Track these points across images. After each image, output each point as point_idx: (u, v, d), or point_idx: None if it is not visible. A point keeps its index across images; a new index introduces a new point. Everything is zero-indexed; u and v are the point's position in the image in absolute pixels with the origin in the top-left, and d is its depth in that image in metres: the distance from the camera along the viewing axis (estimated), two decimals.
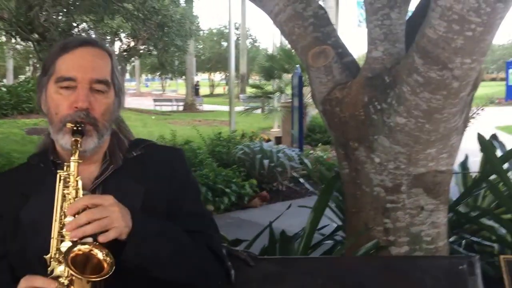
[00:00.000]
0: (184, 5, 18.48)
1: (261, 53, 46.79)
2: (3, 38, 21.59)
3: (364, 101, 2.75)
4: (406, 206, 2.84)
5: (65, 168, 1.33)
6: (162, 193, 1.48)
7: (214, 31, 53.26)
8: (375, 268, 1.95)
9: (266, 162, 8.22)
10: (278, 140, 13.60)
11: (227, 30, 26.28)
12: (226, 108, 22.24)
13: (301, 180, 5.77)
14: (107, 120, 1.45)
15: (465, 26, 2.21)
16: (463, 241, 3.69)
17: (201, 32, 37.51)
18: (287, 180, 8.68)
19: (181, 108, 32.48)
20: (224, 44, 48.17)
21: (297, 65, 11.77)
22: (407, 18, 2.85)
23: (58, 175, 1.32)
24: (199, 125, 20.51)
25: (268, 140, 12.10)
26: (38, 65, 29.21)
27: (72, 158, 1.32)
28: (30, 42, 14.03)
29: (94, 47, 1.47)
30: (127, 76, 63.03)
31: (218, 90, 56.30)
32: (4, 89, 21.03)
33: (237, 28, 42.28)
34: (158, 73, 51.64)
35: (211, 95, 52.87)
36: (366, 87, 2.76)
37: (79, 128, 1.36)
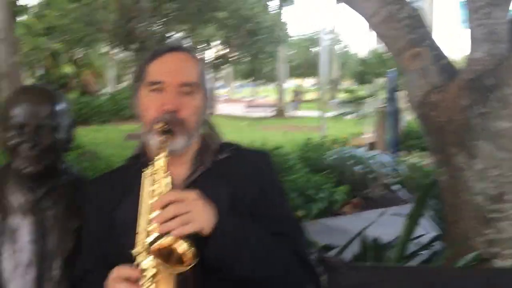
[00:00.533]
0: (277, 10, 18.69)
1: (352, 58, 46.25)
2: (105, 49, 22.86)
3: (463, 104, 2.63)
4: (511, 216, 2.67)
5: (152, 165, 1.37)
6: (248, 195, 1.48)
7: (305, 37, 53.26)
8: (477, 282, 1.83)
9: (358, 168, 8.04)
10: (371, 146, 13.29)
11: (317, 36, 26.19)
12: (317, 114, 22.13)
13: (395, 187, 5.58)
14: (195, 121, 1.48)
15: None
16: None
17: (291, 38, 37.70)
18: (380, 187, 8.45)
19: (272, 114, 32.66)
20: (315, 49, 48.03)
21: (391, 69, 11.48)
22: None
23: (144, 172, 1.38)
24: (290, 131, 20.52)
25: (361, 146, 11.88)
26: (134, 76, 30.39)
27: (161, 154, 1.36)
28: (130, 52, 14.78)
29: (182, 52, 1.52)
30: (219, 82, 64.46)
31: (309, 96, 56.13)
32: (106, 97, 22.18)
33: (328, 33, 42.08)
34: (249, 80, 52.46)
35: (301, 101, 52.83)
36: (466, 90, 2.63)
37: (167, 128, 1.40)
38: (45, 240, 1.71)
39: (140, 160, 1.54)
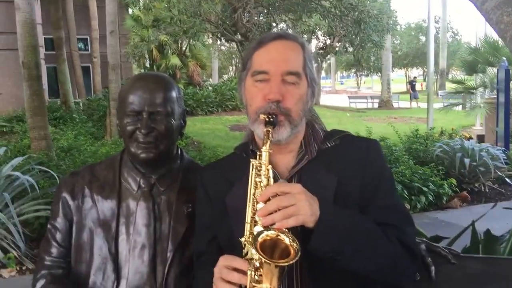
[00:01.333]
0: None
1: (462, 46, 44.18)
2: (210, 40, 23.45)
3: None
4: None
5: (257, 157, 1.41)
6: (355, 183, 1.48)
7: (412, 25, 51.55)
8: None
9: (467, 161, 7.75)
10: (481, 139, 12.70)
11: (426, 24, 25.28)
12: (423, 105, 21.46)
13: (509, 180, 5.34)
14: (300, 110, 1.50)
15: None
16: None
17: (399, 27, 36.59)
18: (491, 181, 8.09)
19: (376, 105, 32.05)
20: (423, 38, 46.36)
21: (503, 58, 10.87)
22: None
23: (251, 164, 1.41)
24: (395, 122, 20.05)
25: (470, 138, 11.38)
26: (240, 65, 30.97)
27: (264, 148, 1.39)
28: (233, 43, 15.07)
29: (286, 40, 1.53)
30: (323, 74, 64.15)
31: (416, 87, 54.33)
32: (210, 88, 22.76)
33: (436, 22, 40.46)
34: (353, 70, 51.76)
35: (407, 92, 51.30)
36: None
37: (271, 119, 1.42)
38: (158, 224, 1.78)
39: (249, 148, 1.60)
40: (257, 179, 1.38)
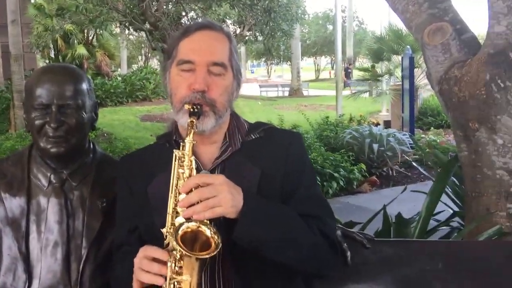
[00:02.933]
0: None
1: (368, 35, 45.70)
2: (118, 30, 22.77)
3: (486, 79, 2.61)
4: None
5: (181, 147, 1.38)
6: (278, 175, 1.49)
7: (320, 14, 52.71)
8: (501, 254, 1.84)
9: (375, 146, 8.04)
10: (387, 124, 13.23)
11: (333, 13, 25.90)
12: (332, 92, 22.03)
13: (415, 164, 5.57)
14: (225, 101, 1.49)
15: None
16: None
17: (307, 16, 37.30)
18: (398, 165, 8.45)
19: (286, 93, 32.56)
20: (330, 27, 47.55)
21: (407, 46, 11.35)
22: None
23: (174, 154, 1.38)
24: (305, 110, 20.46)
25: (377, 124, 11.82)
26: (149, 54, 30.59)
27: (187, 138, 1.37)
28: (142, 32, 14.73)
29: (213, 30, 1.52)
30: None
31: (324, 75, 55.80)
32: (119, 78, 22.20)
33: (343, 11, 41.57)
34: (263, 59, 52.21)
35: (316, 79, 52.54)
36: (488, 64, 2.61)
37: (196, 109, 1.41)
38: (71, 220, 1.73)
39: (172, 138, 1.57)
40: (180, 170, 1.35)
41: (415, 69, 11.07)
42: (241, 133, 1.56)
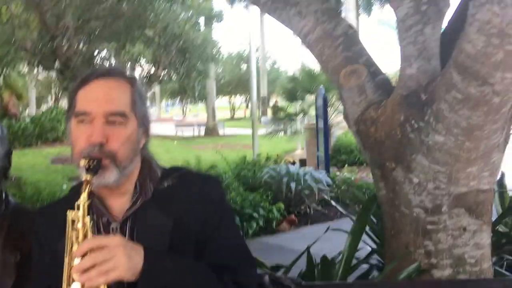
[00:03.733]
0: (204, 29, 18.58)
1: (281, 75, 46.87)
2: (26, 69, 22.04)
3: (400, 120, 2.69)
4: (447, 227, 2.75)
5: (75, 207, 1.28)
6: (193, 224, 1.43)
7: (234, 54, 53.55)
8: None
9: (293, 185, 8.11)
10: (303, 163, 13.43)
11: (246, 53, 26.38)
12: (247, 131, 22.22)
13: (333, 202, 5.66)
14: (128, 151, 1.41)
15: (505, 40, 2.14)
16: (505, 262, 3.56)
17: (221, 56, 37.82)
18: (315, 203, 8.56)
19: (202, 133, 32.55)
20: (244, 66, 48.39)
21: (321, 86, 11.70)
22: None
23: (67, 215, 1.29)
24: (222, 149, 20.46)
25: (293, 163, 11.99)
26: (60, 94, 29.75)
27: (81, 198, 1.28)
28: (52, 72, 14.31)
29: (111, 78, 1.45)
30: (147, 102, 63.50)
31: (239, 114, 56.41)
32: (28, 119, 21.37)
33: (256, 50, 42.49)
34: (178, 98, 52.08)
35: (232, 118, 53.03)
36: (402, 106, 2.69)
37: (91, 166, 1.32)
38: None
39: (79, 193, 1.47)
40: (73, 233, 1.27)
41: (328, 108, 11.39)
42: (153, 181, 1.48)
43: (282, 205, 7.98)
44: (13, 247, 1.64)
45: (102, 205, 1.44)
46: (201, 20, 19.89)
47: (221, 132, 32.62)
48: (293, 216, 8.13)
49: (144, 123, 1.46)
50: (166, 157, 16.61)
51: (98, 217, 1.44)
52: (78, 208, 1.27)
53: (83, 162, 1.32)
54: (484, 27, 2.17)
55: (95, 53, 13.18)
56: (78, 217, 1.27)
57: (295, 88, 13.48)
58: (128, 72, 1.52)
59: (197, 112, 56.36)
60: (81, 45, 12.33)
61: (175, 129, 32.98)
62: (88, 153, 1.34)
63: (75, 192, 1.46)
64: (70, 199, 1.48)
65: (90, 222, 1.28)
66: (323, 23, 3.06)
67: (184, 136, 30.52)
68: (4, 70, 19.24)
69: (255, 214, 7.42)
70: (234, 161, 10.19)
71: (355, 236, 2.88)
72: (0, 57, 12.33)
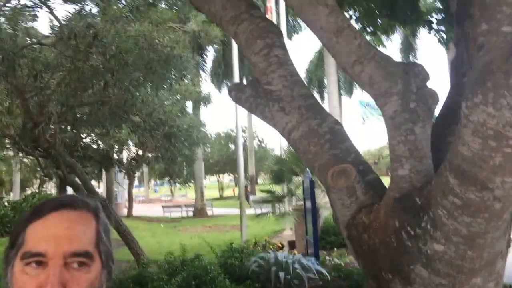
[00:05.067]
0: (192, 112, 18.66)
1: (268, 153, 47.01)
2: (10, 153, 21.83)
3: (395, 226, 2.46)
4: None
5: None
6: None
7: (222, 134, 53.98)
8: None
9: (281, 274, 7.77)
10: (292, 245, 13.12)
11: (234, 133, 26.47)
12: (236, 211, 21.91)
13: None
14: None
15: (502, 142, 1.97)
16: None
17: (210, 136, 38.00)
18: None
19: (190, 213, 32.11)
20: (232, 146, 48.64)
21: (307, 168, 11.57)
22: None
23: None
24: (210, 231, 20.02)
25: (282, 247, 11.66)
26: (45, 179, 29.49)
27: None
28: (35, 157, 14.13)
29: (73, 210, 1.20)
30: (136, 182, 63.31)
31: (228, 192, 56.10)
32: (8, 205, 20.84)
33: (243, 131, 42.85)
34: (166, 179, 51.89)
35: (220, 198, 52.64)
36: (396, 210, 2.48)
37: None
38: None
39: None
40: None
41: (315, 189, 11.20)
42: None
43: None
44: None
45: None
46: (190, 103, 20.03)
47: (209, 212, 32.22)
48: None
49: (109, 263, 1.22)
50: (152, 241, 16.19)
51: None
52: None
53: None
54: (480, 129, 2.00)
55: (80, 137, 13.05)
56: None
57: (282, 170, 13.34)
58: (91, 201, 1.27)
59: (185, 192, 55.99)
60: (65, 131, 12.24)
61: (163, 210, 32.55)
62: None
63: None
64: None
65: None
66: (307, 119, 2.90)
67: (172, 217, 30.03)
68: None
69: None
70: (220, 246, 9.85)
71: None
72: None
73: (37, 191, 28.26)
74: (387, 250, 2.49)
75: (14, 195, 30.43)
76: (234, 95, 3.14)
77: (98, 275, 1.17)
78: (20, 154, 20.54)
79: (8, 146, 11.93)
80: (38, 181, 36.01)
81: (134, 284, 7.18)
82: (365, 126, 22.72)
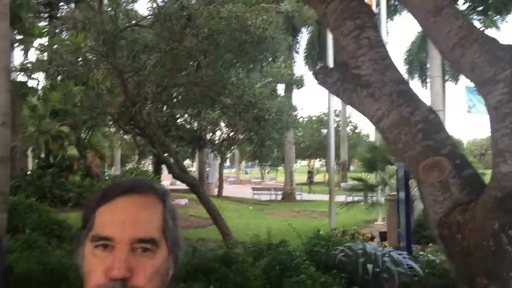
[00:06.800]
0: (284, 94, 18.56)
1: (362, 139, 46.16)
2: (112, 130, 22.98)
3: (494, 228, 2.20)
4: None
5: None
6: None
7: (314, 118, 53.60)
8: None
9: (370, 267, 7.47)
10: (383, 236, 12.72)
11: (326, 118, 26.19)
12: (325, 197, 21.71)
13: None
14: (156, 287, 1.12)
15: None
16: None
17: (301, 119, 37.89)
18: None
19: (279, 197, 32.22)
20: (324, 131, 48.23)
21: None
22: None
23: None
24: (297, 216, 19.94)
25: (372, 238, 11.30)
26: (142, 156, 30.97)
27: None
28: (133, 135, 14.71)
29: (140, 195, 1.17)
30: (227, 163, 64.55)
31: (318, 178, 55.82)
32: (108, 180, 21.94)
33: (337, 115, 42.31)
34: (256, 161, 52.52)
35: (310, 183, 52.48)
36: (496, 211, 2.21)
37: None
38: None
39: None
40: None
41: (410, 180, 10.71)
42: None
43: None
44: None
45: None
46: (281, 86, 19.93)
47: (298, 197, 32.16)
48: None
49: (175, 249, 1.19)
50: (240, 222, 16.36)
51: None
52: None
53: None
54: None
55: (173, 118, 13.37)
56: None
57: (375, 158, 12.91)
58: (158, 185, 1.24)
59: (275, 175, 56.34)
60: (163, 109, 12.59)
61: (252, 192, 32.90)
62: None
63: None
64: None
65: None
66: (399, 106, 2.66)
67: (260, 200, 30.28)
68: (89, 132, 20.10)
69: None
70: (307, 233, 9.69)
71: None
72: (85, 120, 12.74)
73: (135, 167, 29.59)
74: (484, 254, 2.24)
75: (115, 170, 32.11)
76: (320, 78, 2.95)
77: (164, 261, 1.16)
78: (121, 132, 21.57)
79: (107, 124, 12.43)
80: (136, 157, 37.71)
81: (221, 263, 7.24)
82: (471, 115, 21.25)
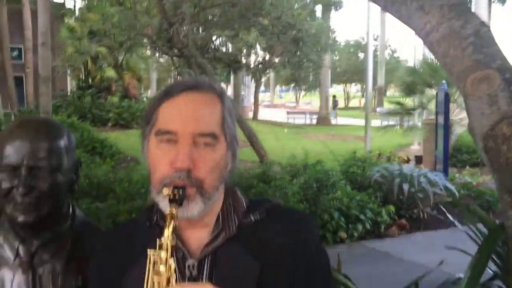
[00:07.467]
0: (321, 18, 18.22)
1: (400, 65, 45.25)
2: (148, 52, 23.06)
3: None
4: None
5: (157, 246, 1.08)
6: (283, 270, 1.20)
7: (351, 42, 52.53)
8: None
9: (405, 187, 7.57)
10: (419, 160, 12.74)
11: (364, 41, 25.65)
12: (361, 122, 21.64)
13: (445, 211, 5.16)
14: (215, 179, 1.19)
15: None
16: None
17: (338, 44, 37.11)
18: (429, 208, 7.96)
19: (314, 121, 32.25)
20: (361, 55, 47.32)
21: (443, 81, 10.90)
22: None
23: (148, 256, 1.08)
24: (333, 140, 20.04)
25: (408, 160, 11.32)
26: (178, 77, 30.92)
27: (165, 235, 1.07)
28: (170, 56, 14.76)
29: (200, 92, 1.22)
30: (262, 87, 64.50)
31: (354, 103, 55.40)
32: (146, 101, 22.32)
33: (375, 39, 41.34)
34: (292, 85, 52.26)
35: (346, 107, 52.15)
36: None
37: (177, 195, 1.12)
38: None
39: (153, 217, 1.27)
40: (155, 277, 1.06)
41: (450, 104, 10.59)
42: (237, 214, 1.25)
43: (392, 208, 7.51)
44: (76, 268, 1.49)
45: (177, 237, 1.21)
46: (319, 7, 19.48)
47: (333, 121, 32.14)
48: (403, 221, 7.64)
49: (233, 145, 1.25)
50: (275, 144, 16.54)
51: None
52: (161, 248, 1.08)
53: (166, 191, 1.14)
54: None
55: (210, 40, 13.31)
56: (161, 259, 1.08)
57: (415, 82, 12.71)
58: (217, 85, 1.29)
59: (310, 100, 56.14)
60: (199, 31, 12.53)
61: (287, 116, 32.97)
62: (173, 180, 1.14)
63: (143, 217, 1.29)
64: (136, 225, 1.32)
65: (174, 263, 1.09)
66: (449, 20, 2.62)
67: (295, 124, 30.39)
68: (126, 54, 20.22)
69: (362, 216, 7.05)
70: (343, 155, 9.78)
71: (474, 272, 2.45)
72: (122, 42, 12.79)
73: None
74: None
75: (151, 92, 32.48)
76: None
77: (223, 155, 1.21)
78: (157, 54, 21.62)
79: (144, 45, 12.47)
80: (172, 80, 37.94)
81: (259, 181, 7.43)
82: None
